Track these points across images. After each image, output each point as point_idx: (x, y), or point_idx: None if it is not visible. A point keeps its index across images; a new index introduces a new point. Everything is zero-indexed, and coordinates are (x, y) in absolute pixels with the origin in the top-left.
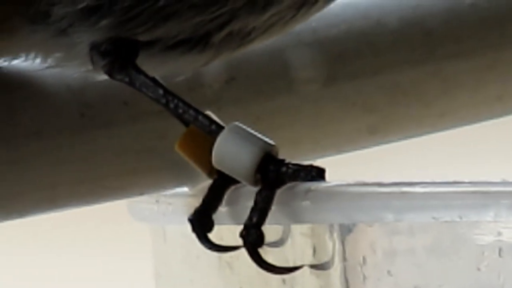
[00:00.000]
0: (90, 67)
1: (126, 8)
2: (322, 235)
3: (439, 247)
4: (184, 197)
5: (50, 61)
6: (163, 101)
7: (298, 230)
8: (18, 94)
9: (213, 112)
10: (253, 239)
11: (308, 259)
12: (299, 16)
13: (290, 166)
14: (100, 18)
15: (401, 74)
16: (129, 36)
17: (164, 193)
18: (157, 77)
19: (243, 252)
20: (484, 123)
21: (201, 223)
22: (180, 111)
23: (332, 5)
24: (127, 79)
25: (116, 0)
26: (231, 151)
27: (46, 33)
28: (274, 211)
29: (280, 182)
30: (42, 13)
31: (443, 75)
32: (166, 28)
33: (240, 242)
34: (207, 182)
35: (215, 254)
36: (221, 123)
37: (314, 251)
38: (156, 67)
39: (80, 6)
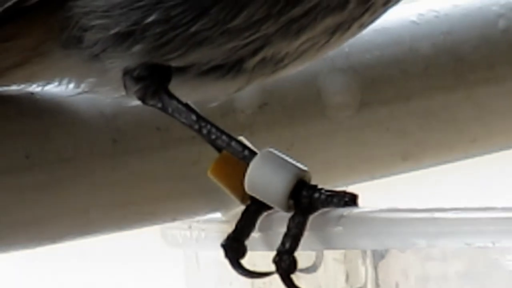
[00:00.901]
0: (123, 92)
1: (158, 34)
2: (355, 261)
3: (472, 273)
4: (217, 223)
5: (83, 86)
6: (196, 127)
7: (331, 256)
8: (52, 120)
9: (246, 137)
10: (286, 265)
11: (341, 285)
12: (332, 42)
13: (323, 192)
14: (132, 43)
15: (433, 100)
16: (162, 61)
17: (197, 219)
18: (190, 103)
19: (276, 278)
20: None
21: (234, 249)
22: (213, 137)
23: (365, 31)
24: (160, 105)
25: (149, 26)
26: (264, 177)
27: (79, 58)
28: (307, 237)
29: (313, 208)
30: (75, 38)
31: (475, 100)
32: (199, 54)
33: (273, 268)
34: (240, 208)
35: (248, 280)
36: (254, 148)
37: (347, 277)
38: (189, 93)
39: (113, 31)
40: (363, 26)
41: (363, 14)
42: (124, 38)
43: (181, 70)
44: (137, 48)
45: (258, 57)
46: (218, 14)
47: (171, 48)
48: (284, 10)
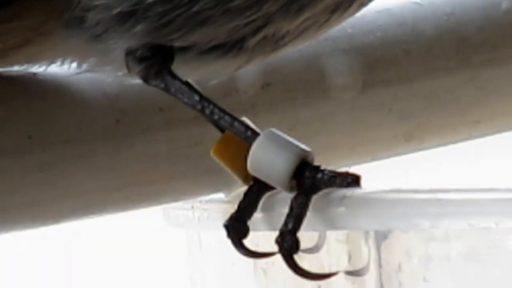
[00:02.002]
0: (125, 71)
1: (160, 14)
2: (358, 242)
3: (475, 253)
4: (219, 203)
5: (85, 66)
6: (199, 107)
7: (334, 237)
8: (55, 101)
9: (249, 118)
10: (288, 246)
11: (344, 265)
12: (332, 21)
13: (326, 172)
14: (134, 23)
15: (436, 81)
16: (164, 42)
17: (200, 199)
18: (193, 83)
19: (279, 258)
20: None
21: (237, 229)
22: (216, 117)
23: (367, 12)
24: (162, 85)
25: (150, 6)
26: (267, 157)
27: (81, 38)
28: (309, 218)
29: (315, 189)
30: (77, 18)
31: (478, 81)
32: (201, 33)
33: (275, 248)
34: (242, 188)
35: (250, 260)
36: (257, 129)
37: (350, 257)
38: (190, 71)
39: (115, 11)
40: (363, 4)
41: None
42: (126, 18)
43: (183, 49)
44: (139, 28)
45: (259, 36)
46: None
47: (173, 28)
48: None
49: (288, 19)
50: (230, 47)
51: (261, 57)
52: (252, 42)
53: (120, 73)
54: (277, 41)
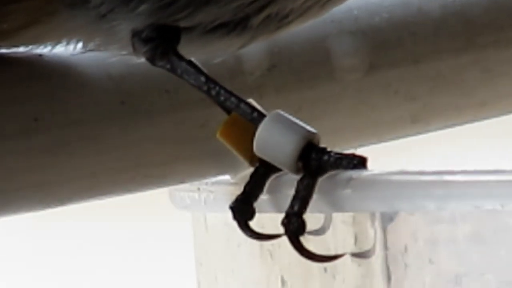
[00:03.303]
0: (131, 50)
1: None
2: (364, 224)
3: (481, 235)
4: (225, 185)
5: (91, 46)
6: (205, 88)
7: (340, 219)
8: (60, 82)
9: (255, 100)
10: (294, 227)
11: (350, 247)
12: None
13: (332, 154)
14: (138, 3)
15: (442, 63)
16: (169, 22)
17: (206, 181)
18: (199, 65)
19: (285, 240)
20: None
21: (243, 211)
22: (222, 98)
23: None
24: (168, 66)
25: None
26: (273, 139)
27: (86, 18)
28: (315, 200)
29: (322, 171)
30: None
31: (484, 63)
32: (206, 12)
33: (281, 230)
34: (248, 170)
35: (256, 242)
36: (263, 110)
37: (356, 239)
38: (194, 51)
39: None
40: None
41: None
42: None
43: (187, 29)
44: (143, 8)
45: (263, 15)
46: None
47: (178, 8)
48: None
49: None
50: (234, 26)
51: (265, 36)
52: (256, 21)
53: (125, 52)
54: (281, 20)
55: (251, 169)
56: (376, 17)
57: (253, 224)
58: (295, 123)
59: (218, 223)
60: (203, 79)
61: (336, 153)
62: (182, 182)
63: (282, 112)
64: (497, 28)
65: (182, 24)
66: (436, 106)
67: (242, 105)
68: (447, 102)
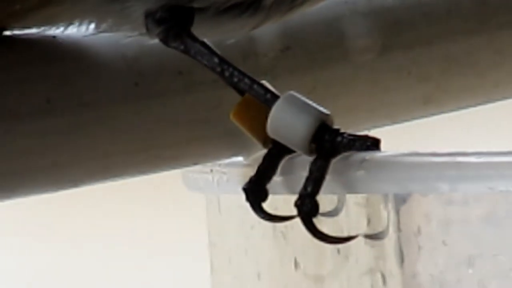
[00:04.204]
0: (144, 31)
1: None
2: (377, 205)
3: (494, 216)
4: (238, 167)
5: (103, 27)
6: (218, 69)
7: (353, 200)
8: (72, 64)
9: (268, 81)
10: (307, 209)
11: (363, 229)
12: None
13: (345, 136)
14: None
15: (455, 44)
16: (183, 2)
17: (219, 162)
18: (212, 46)
19: (298, 222)
20: None
21: (256, 192)
22: (235, 79)
23: None
24: (182, 47)
25: None
26: (286, 121)
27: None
28: (328, 181)
29: (335, 152)
30: None
31: (497, 45)
32: None
33: (294, 211)
34: (262, 152)
35: (269, 224)
36: (276, 92)
37: (369, 221)
38: (206, 31)
39: None
40: None
41: None
42: None
43: (200, 9)
44: None
45: None
46: None
47: None
48: None
49: None
50: (247, 6)
51: (278, 17)
52: (268, 1)
53: (138, 33)
54: (294, 0)
55: (264, 151)
56: None
57: (266, 205)
58: (309, 105)
59: (231, 205)
60: (216, 60)
61: (350, 135)
62: (195, 163)
63: (295, 94)
64: (511, 9)
65: (196, 4)
66: (449, 87)
67: (255, 86)
68: (460, 84)
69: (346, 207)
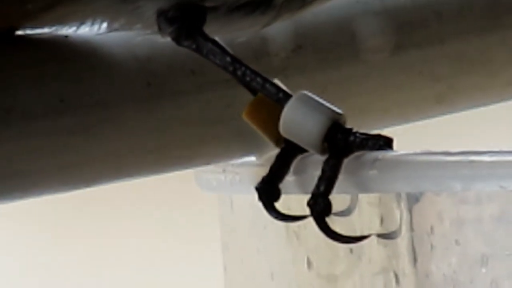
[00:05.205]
0: (156, 30)
1: None
2: (390, 205)
3: (507, 216)
4: (251, 167)
5: (115, 26)
6: (231, 68)
7: (366, 200)
8: (85, 63)
9: (280, 80)
10: (320, 208)
11: (376, 228)
12: None
13: (358, 135)
14: None
15: (468, 43)
16: (195, 1)
17: (231, 162)
18: (225, 45)
19: (311, 221)
20: None
21: (268, 192)
22: (248, 78)
23: None
24: (194, 46)
25: None
26: (299, 120)
27: None
28: (341, 180)
29: (347, 151)
30: None
31: (510, 43)
32: None
33: (307, 211)
34: (274, 151)
35: (282, 223)
36: (289, 91)
37: (382, 220)
38: (218, 29)
39: None
40: None
41: None
42: None
43: (212, 8)
44: None
45: None
46: None
47: None
48: None
49: None
50: (258, 4)
51: (288, 15)
52: None
53: (150, 32)
54: None
55: (277, 150)
56: None
57: (279, 205)
58: (321, 104)
59: (244, 204)
60: (228, 59)
61: (362, 134)
62: (208, 163)
63: (308, 93)
64: None
65: (208, 3)
66: (461, 86)
67: (267, 85)
68: (473, 83)
69: (359, 206)
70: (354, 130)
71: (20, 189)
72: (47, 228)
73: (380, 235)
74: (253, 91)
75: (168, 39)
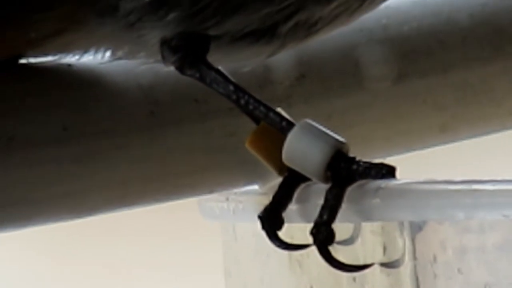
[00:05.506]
0: (159, 59)
1: (193, 1)
2: (392, 233)
3: (510, 244)
4: (254, 195)
5: (119, 55)
6: (234, 97)
7: (369, 228)
8: (89, 92)
9: (284, 109)
10: (323, 237)
11: (379, 257)
12: (364, 7)
13: (361, 163)
14: (167, 11)
15: (471, 72)
16: (198, 30)
17: (234, 191)
18: (228, 74)
19: (314, 250)
20: None
21: (271, 221)
22: (251, 107)
23: (403, 3)
24: (197, 75)
25: None
26: (302, 148)
27: (114, 27)
28: (344, 209)
29: (350, 180)
30: (110, 7)
31: None
32: (234, 20)
33: (310, 240)
34: (277, 180)
35: (285, 252)
36: (292, 120)
37: (385, 249)
38: (222, 58)
39: (147, 0)
40: None
41: None
42: (159, 6)
43: (216, 37)
44: (172, 16)
45: (291, 22)
46: None
47: (206, 16)
48: None
49: (321, 5)
50: (263, 34)
51: (293, 44)
52: (284, 28)
53: (153, 61)
54: (310, 28)
55: (280, 179)
56: (405, 26)
57: (282, 234)
58: (324, 132)
59: (247, 233)
60: (232, 88)
61: (365, 162)
62: (211, 192)
63: (311, 121)
64: None
65: (211, 32)
66: (464, 115)
67: (271, 114)
68: (476, 112)
69: (362, 235)
70: (357, 158)
71: (24, 217)
72: (48, 257)
73: (383, 264)
74: (256, 120)
75: (171, 68)
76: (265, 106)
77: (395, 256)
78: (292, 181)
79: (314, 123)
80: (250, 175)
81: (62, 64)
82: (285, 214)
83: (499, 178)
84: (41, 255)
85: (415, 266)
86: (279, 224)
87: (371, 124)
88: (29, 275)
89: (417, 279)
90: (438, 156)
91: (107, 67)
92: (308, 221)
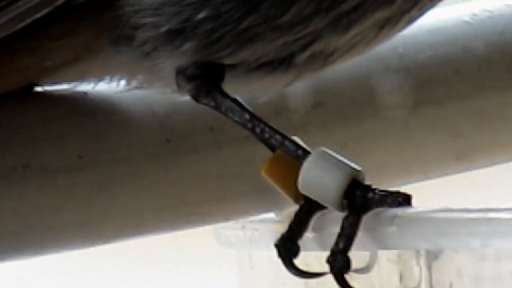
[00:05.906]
0: (175, 88)
1: (209, 31)
2: (409, 261)
3: None
4: (270, 223)
5: (134, 83)
6: (249, 125)
7: (385, 256)
8: (105, 120)
9: (300, 137)
10: (339, 265)
11: (395, 285)
12: (381, 36)
13: (377, 192)
14: (183, 41)
15: (487, 100)
16: (214, 59)
17: (251, 219)
18: (243, 102)
19: (330, 278)
20: None
21: (287, 249)
22: (266, 135)
23: (419, 31)
24: (213, 104)
25: (199, 23)
26: (318, 177)
27: (130, 56)
28: (360, 237)
29: (366, 208)
30: (126, 36)
31: None
32: (250, 50)
33: (326, 268)
34: (293, 208)
35: (301, 280)
36: (308, 148)
37: (401, 277)
38: (238, 88)
39: (163, 29)
40: (412, 19)
41: (412, 7)
42: (175, 36)
43: (232, 66)
44: (187, 46)
45: (308, 52)
46: (268, 10)
47: (222, 45)
48: (333, 5)
49: (337, 35)
50: (279, 63)
51: (310, 74)
52: (300, 58)
53: (169, 90)
54: (326, 58)
55: (296, 207)
56: (421, 54)
57: (298, 262)
58: (340, 161)
59: (263, 261)
60: (247, 116)
61: (381, 191)
62: (227, 220)
63: (327, 150)
64: None
65: (226, 61)
66: (480, 143)
67: (286, 142)
68: (492, 140)
69: (378, 263)
70: (373, 187)
71: (38, 245)
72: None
73: None
74: (272, 148)
75: (187, 97)
76: (280, 134)
77: (411, 284)
78: (308, 209)
79: (329, 151)
80: (266, 203)
81: (78, 92)
82: (301, 242)
83: None
84: (48, 281)
85: None
86: (295, 252)
87: (387, 152)
88: None
89: None
90: (454, 184)
91: (122, 95)
92: (324, 249)
